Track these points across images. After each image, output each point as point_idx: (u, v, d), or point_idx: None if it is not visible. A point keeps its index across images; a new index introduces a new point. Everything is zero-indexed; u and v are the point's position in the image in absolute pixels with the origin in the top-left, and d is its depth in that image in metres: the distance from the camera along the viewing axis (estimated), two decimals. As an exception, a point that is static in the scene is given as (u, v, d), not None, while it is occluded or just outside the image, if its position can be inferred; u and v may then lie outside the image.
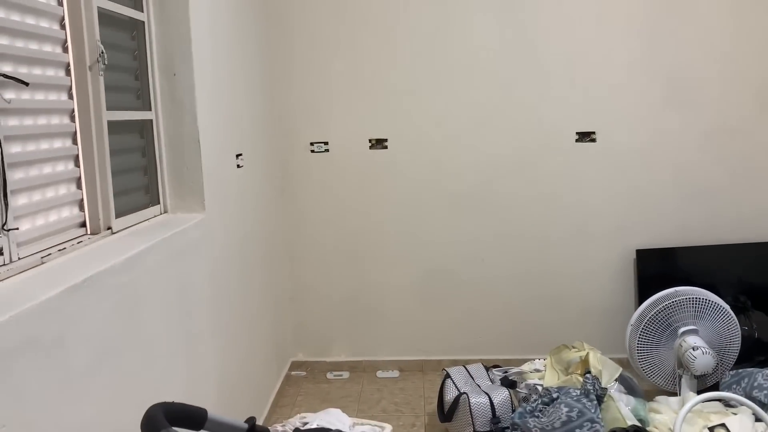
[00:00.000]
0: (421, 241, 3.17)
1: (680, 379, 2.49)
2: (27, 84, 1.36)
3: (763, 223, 3.07)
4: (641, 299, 2.64)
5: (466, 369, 2.74)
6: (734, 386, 2.30)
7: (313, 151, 3.15)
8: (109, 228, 1.72)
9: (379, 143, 3.12)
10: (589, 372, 2.30)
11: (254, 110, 2.77)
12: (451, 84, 3.03)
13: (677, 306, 2.47)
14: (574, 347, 2.59)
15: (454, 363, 2.95)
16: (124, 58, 1.89)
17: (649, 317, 2.47)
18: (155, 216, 2.02)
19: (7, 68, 1.34)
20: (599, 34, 2.96)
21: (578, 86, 3.00)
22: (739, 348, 2.53)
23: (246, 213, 2.60)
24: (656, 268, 3.04)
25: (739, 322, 2.57)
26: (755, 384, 2.23)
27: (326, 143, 3.13)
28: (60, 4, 1.58)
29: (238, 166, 2.49)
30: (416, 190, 3.13)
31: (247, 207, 2.62)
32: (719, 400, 2.19)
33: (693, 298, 2.46)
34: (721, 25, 2.95)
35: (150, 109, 2.00)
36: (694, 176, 3.05)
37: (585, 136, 3.03)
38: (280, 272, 3.16)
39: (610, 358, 2.57)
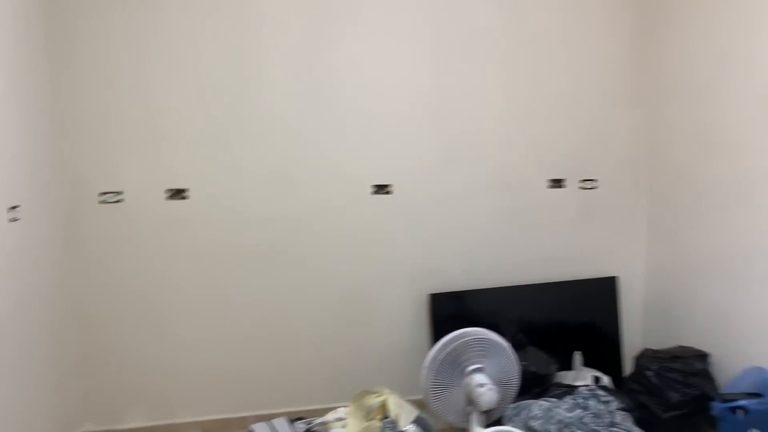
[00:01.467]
0: (222, 295, 3.09)
1: (470, 416, 2.68)
2: None
3: (536, 266, 3.46)
4: (435, 341, 2.82)
5: (271, 425, 2.70)
6: (514, 418, 2.53)
7: (104, 202, 2.94)
8: None
9: (177, 193, 3.01)
10: (387, 417, 2.38)
11: (35, 157, 2.54)
12: (251, 135, 3.05)
13: (465, 346, 2.67)
14: (375, 392, 2.67)
15: (261, 419, 2.88)
16: None
17: (440, 358, 2.64)
18: None
19: None
20: (392, 94, 3.18)
21: (374, 142, 3.18)
22: (519, 382, 2.79)
23: (23, 272, 2.34)
24: (448, 311, 3.27)
25: (518, 358, 2.84)
26: (531, 415, 2.47)
27: (119, 193, 2.96)
28: None
29: (13, 219, 2.25)
30: (217, 242, 3.06)
31: (25, 265, 2.37)
32: (502, 432, 2.39)
33: (478, 338, 2.68)
34: (496, 89, 3.33)
35: None
36: (477, 225, 3.36)
37: (381, 189, 3.21)
38: (66, 335, 2.87)
39: (410, 400, 2.70)
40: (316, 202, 3.14)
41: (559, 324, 3.46)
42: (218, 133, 3.02)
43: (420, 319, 3.32)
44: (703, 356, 3.10)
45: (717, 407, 2.70)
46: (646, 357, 3.10)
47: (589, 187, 3.54)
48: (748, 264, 2.94)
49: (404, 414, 2.49)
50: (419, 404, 2.73)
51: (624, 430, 2.44)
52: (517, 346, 3.00)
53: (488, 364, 2.71)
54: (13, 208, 2.25)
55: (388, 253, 3.26)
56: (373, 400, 2.60)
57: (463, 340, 2.67)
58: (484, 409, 2.60)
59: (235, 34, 2.99)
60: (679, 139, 3.36)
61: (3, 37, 2.23)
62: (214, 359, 3.11)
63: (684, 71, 3.30)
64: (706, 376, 3.03)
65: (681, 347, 3.21)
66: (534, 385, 2.95)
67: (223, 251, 3.07)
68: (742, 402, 2.66)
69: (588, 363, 3.31)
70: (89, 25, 2.86)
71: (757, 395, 2.75)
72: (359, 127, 3.15)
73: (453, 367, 2.68)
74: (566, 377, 3.10)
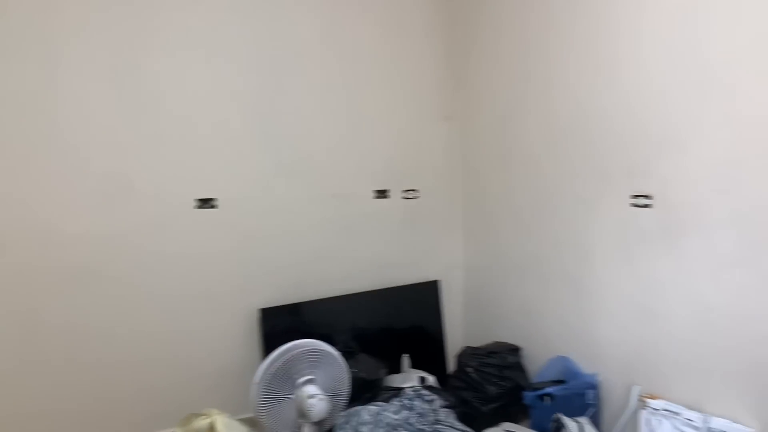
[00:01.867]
0: (29, 325, 2.79)
1: (302, 428, 2.68)
2: None
3: (365, 275, 3.56)
4: (266, 356, 2.78)
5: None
6: (345, 426, 2.58)
7: None
8: None
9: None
10: (216, 438, 2.31)
11: None
12: (66, 149, 2.80)
13: (295, 359, 2.67)
14: (203, 414, 2.57)
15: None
16: None
17: (271, 372, 2.61)
18: None
19: None
20: (215, 106, 3.11)
21: (197, 155, 3.07)
22: (349, 390, 2.84)
23: None
24: (280, 325, 3.24)
25: (349, 365, 2.90)
26: (361, 420, 2.53)
27: None
28: None
29: None
30: (27, 266, 2.76)
31: None
32: (333, 441, 2.42)
33: (308, 349, 2.69)
34: (321, 103, 3.38)
35: None
36: (306, 237, 3.39)
37: (206, 203, 3.11)
38: None
39: (243, 419, 2.64)
40: (136, 217, 2.96)
41: (389, 329, 3.59)
42: (23, 143, 2.73)
43: (252, 335, 3.26)
44: (515, 350, 3.39)
45: (527, 396, 2.97)
46: (466, 354, 3.32)
47: (411, 196, 3.72)
48: (547, 264, 3.27)
49: (233, 433, 2.43)
50: (251, 422, 2.67)
51: (447, 426, 2.58)
52: (348, 354, 3.05)
53: (319, 375, 2.73)
54: None
55: (215, 269, 3.16)
56: (202, 423, 2.51)
57: (293, 352, 2.67)
58: (316, 419, 2.61)
59: (34, 37, 2.73)
60: (486, 151, 3.66)
61: None
62: (23, 396, 2.79)
63: (489, 90, 3.60)
64: (519, 368, 3.32)
65: (497, 343, 3.48)
66: (365, 391, 3.02)
67: (34, 275, 2.77)
68: (548, 389, 2.95)
69: (416, 364, 3.47)
70: None
71: (561, 382, 3.07)
72: (180, 139, 3.03)
73: (284, 380, 2.66)
74: (395, 380, 3.22)
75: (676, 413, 2.56)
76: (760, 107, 2.26)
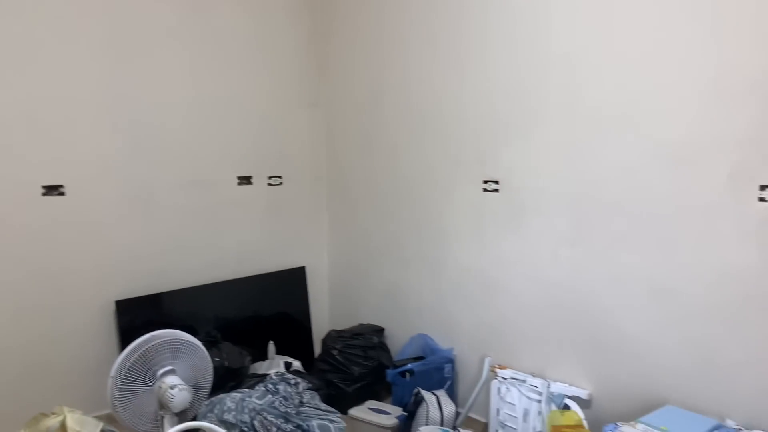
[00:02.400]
0: None
1: (163, 420, 2.61)
2: None
3: (229, 262, 3.52)
4: (123, 350, 2.67)
5: None
6: (209, 414, 2.55)
7: None
8: None
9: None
10: (67, 436, 2.20)
11: None
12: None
13: (154, 350, 2.58)
14: (52, 413, 2.43)
15: None
16: None
17: (128, 366, 2.52)
18: None
19: None
20: (62, 86, 2.91)
21: (41, 138, 2.87)
22: (212, 378, 2.80)
23: None
24: (138, 317, 3.12)
25: (212, 354, 2.85)
26: (225, 408, 2.52)
27: None
28: None
29: None
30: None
31: None
32: (195, 430, 2.39)
33: (167, 340, 2.62)
34: (182, 86, 3.28)
35: None
36: (166, 225, 3.28)
37: (53, 190, 2.92)
38: None
39: (99, 416, 2.52)
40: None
41: (254, 317, 3.57)
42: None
43: (108, 328, 3.12)
44: (379, 330, 3.51)
45: (390, 374, 3.09)
46: (332, 338, 3.39)
47: (275, 183, 3.71)
48: (407, 247, 3.42)
49: (87, 430, 2.32)
50: (108, 418, 2.56)
51: (312, 408, 2.63)
52: (211, 344, 3.01)
53: (180, 365, 2.67)
54: None
55: (66, 260, 2.97)
56: (52, 421, 2.37)
57: (151, 344, 2.58)
58: (178, 410, 2.55)
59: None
60: (350, 138, 3.75)
61: None
62: None
63: (351, 78, 3.67)
64: (383, 347, 3.44)
65: (361, 325, 3.58)
66: (229, 379, 3.00)
67: None
68: (409, 365, 3.09)
69: (283, 350, 3.49)
70: None
71: (420, 358, 3.22)
72: (24, 122, 2.81)
73: (142, 373, 2.57)
74: (261, 367, 3.22)
75: (522, 380, 2.79)
76: (593, 99, 2.51)
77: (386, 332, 3.54)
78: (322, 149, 3.90)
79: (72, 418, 2.29)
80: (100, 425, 2.39)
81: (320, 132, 3.89)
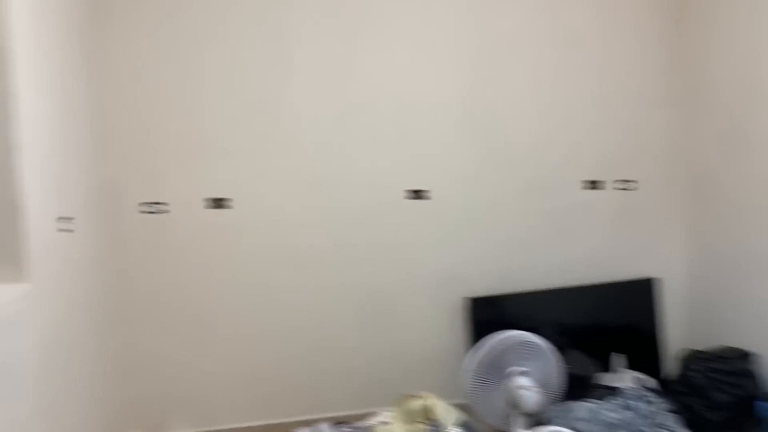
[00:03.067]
0: (262, 301, 3.14)
1: (512, 418, 2.67)
2: None
3: (573, 269, 3.45)
4: (472, 345, 2.82)
5: (316, 429, 2.72)
6: (559, 420, 2.52)
7: (145, 212, 3.01)
8: None
9: (219, 203, 3.07)
10: (432, 419, 2.40)
11: (85, 171, 2.61)
12: (287, 144, 3.10)
13: (507, 349, 2.66)
14: (417, 396, 2.68)
15: (303, 424, 2.91)
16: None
17: (483, 361, 2.64)
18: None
19: None
20: (427, 99, 3.22)
21: (409, 148, 3.21)
22: (560, 384, 2.78)
23: (77, 281, 2.41)
24: (485, 315, 3.26)
25: (560, 360, 2.83)
26: (576, 416, 2.46)
27: (161, 203, 3.03)
28: None
29: (66, 230, 2.32)
30: (256, 249, 3.11)
31: (80, 275, 2.43)
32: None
33: (520, 341, 2.68)
34: (531, 93, 3.34)
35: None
36: (514, 229, 3.37)
37: (417, 194, 3.23)
38: (112, 342, 2.94)
39: (453, 404, 2.71)
40: (351, 207, 3.18)
41: (597, 326, 3.44)
42: (257, 143, 3.08)
43: (456, 323, 3.33)
44: (747, 356, 3.06)
45: (762, 407, 2.67)
46: (690, 358, 3.07)
47: (625, 187, 3.52)
48: (792, 262, 2.90)
49: (448, 416, 2.50)
50: (460, 407, 2.73)
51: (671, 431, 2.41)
52: (557, 349, 2.98)
53: (530, 367, 2.70)
54: (62, 218, 2.32)
55: (423, 258, 3.28)
56: (416, 403, 2.62)
57: (505, 343, 2.67)
58: (527, 411, 2.59)
59: (273, 45, 3.05)
60: (714, 139, 3.33)
61: (48, 49, 2.30)
62: (254, 366, 3.15)
63: (716, 71, 3.27)
64: (751, 375, 2.99)
65: (725, 347, 3.17)
66: (574, 387, 2.93)
67: (261, 260, 3.12)
68: (789, 401, 2.62)
69: (628, 364, 3.28)
70: (132, 37, 2.95)
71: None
72: (394, 133, 3.19)
73: (495, 369, 2.67)
74: (607, 379, 3.08)
75: None
76: None
77: (757, 358, 3.06)
78: (679, 151, 3.56)
79: (435, 403, 2.49)
80: (459, 413, 2.56)
81: (677, 132, 3.55)
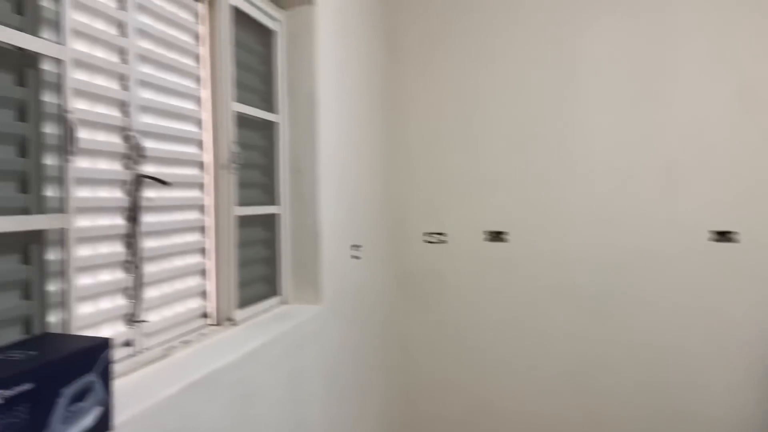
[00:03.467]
0: (535, 339, 3.01)
1: None
2: (169, 184, 1.45)
3: None
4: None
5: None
6: None
7: (428, 242, 3.13)
8: (231, 319, 1.76)
9: (496, 236, 3.05)
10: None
11: (373, 201, 2.82)
12: (570, 179, 2.94)
13: None
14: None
15: (576, 478, 2.70)
16: (256, 155, 1.99)
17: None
18: (275, 307, 2.05)
19: (151, 169, 1.44)
20: (739, 126, 2.77)
21: (715, 181, 2.79)
22: None
23: (360, 306, 2.59)
24: (814, 387, 2.66)
25: None
26: None
27: (442, 234, 3.12)
28: (201, 108, 1.71)
29: (356, 257, 2.52)
30: (535, 287, 3.00)
31: (362, 300, 2.62)
32: None
33: None
34: None
35: (276, 203, 2.08)
36: None
37: (723, 236, 2.79)
38: (393, 364, 3.10)
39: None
40: (641, 248, 2.87)
41: None
42: (537, 177, 2.98)
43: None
44: None
45: None
46: None
47: None
48: None
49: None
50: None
51: None
52: None
53: None
54: (354, 246, 2.51)
55: (729, 311, 2.81)
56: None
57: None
58: None
59: (557, 79, 2.94)
60: None
61: (350, 91, 2.52)
62: (526, 402, 3.03)
63: None
64: None
65: None
66: None
67: (539, 294, 3.00)
68: None
69: None
70: (420, 76, 3.11)
71: None
72: (696, 164, 2.81)
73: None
74: None
75: None
76: None
77: None
78: None
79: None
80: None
81: None
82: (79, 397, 0.91)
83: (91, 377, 0.94)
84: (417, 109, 3.13)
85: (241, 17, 1.85)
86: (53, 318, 1.11)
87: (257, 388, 1.59)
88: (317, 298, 2.11)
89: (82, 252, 1.24)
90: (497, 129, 3.03)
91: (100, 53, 1.30)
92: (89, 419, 0.93)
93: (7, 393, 0.78)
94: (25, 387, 0.81)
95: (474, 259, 3.08)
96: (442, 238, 3.12)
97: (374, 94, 2.84)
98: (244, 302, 1.85)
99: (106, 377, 0.98)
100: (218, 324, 1.73)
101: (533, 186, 3.00)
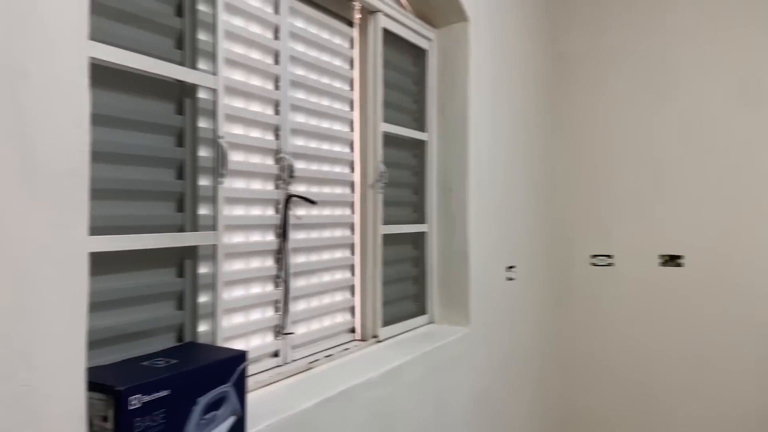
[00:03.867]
0: (721, 380, 2.67)
1: None
2: (315, 203, 1.51)
3: None
4: None
5: None
6: None
7: (594, 265, 2.94)
8: (376, 336, 1.78)
9: (671, 260, 2.78)
10: None
11: (530, 221, 2.71)
12: (759, 198, 2.60)
13: None
14: None
15: None
16: (405, 174, 2.01)
17: None
18: (421, 326, 2.05)
19: (302, 188, 1.51)
20: None
21: None
22: None
23: (514, 329, 2.49)
24: None
25: None
26: None
27: (609, 256, 2.91)
28: (352, 130, 1.76)
29: (509, 278, 2.43)
30: (716, 319, 2.68)
31: (516, 323, 2.52)
32: None
33: None
34: None
35: (425, 222, 2.08)
36: None
37: None
38: (550, 394, 2.94)
39: None
40: None
41: None
42: (720, 196, 2.67)
43: None
44: None
45: None
46: None
47: None
48: None
49: None
50: None
51: None
52: None
53: None
54: (510, 267, 2.42)
55: None
56: None
57: None
58: None
59: (740, 97, 2.63)
60: None
61: (507, 104, 2.45)
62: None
63: None
64: None
65: None
66: None
67: (722, 328, 2.67)
68: None
69: None
70: (588, 90, 2.94)
71: None
72: None
73: None
74: None
75: None
76: None
77: None
78: None
79: None
80: None
81: None
82: (214, 406, 0.97)
83: (226, 388, 1.00)
84: (584, 124, 2.96)
85: (391, 38, 1.88)
86: (203, 327, 1.20)
87: (397, 408, 1.59)
88: (465, 320, 2.06)
89: (236, 266, 1.33)
90: (674, 144, 2.78)
91: (255, 81, 1.39)
92: (223, 428, 0.98)
93: (146, 398, 0.84)
94: (163, 393, 0.87)
95: (644, 284, 2.83)
96: (609, 260, 2.92)
97: (533, 109, 2.74)
98: (390, 320, 1.87)
99: (241, 388, 1.03)
100: (363, 340, 1.76)
101: (715, 206, 2.69)
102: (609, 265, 2.92)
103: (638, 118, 2.85)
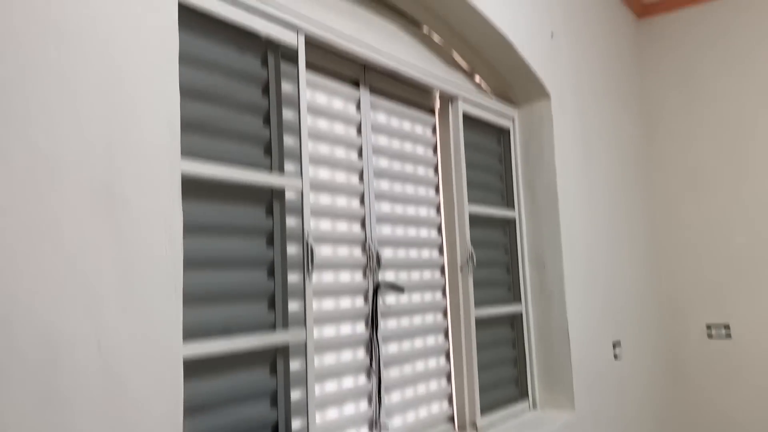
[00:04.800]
0: None
1: None
2: (403, 290, 1.50)
3: None
4: None
5: None
6: None
7: (710, 336, 2.71)
8: (474, 424, 1.70)
9: (799, 328, 2.52)
10: None
11: (635, 292, 2.55)
12: None
13: None
14: None
15: None
16: (494, 253, 1.97)
17: None
18: (523, 412, 1.94)
19: (390, 276, 1.51)
20: None
21: None
22: None
23: (624, 412, 2.30)
24: None
25: None
26: None
27: (727, 327, 2.67)
28: (438, 213, 1.76)
29: (615, 356, 2.28)
30: None
31: (626, 405, 2.33)
32: None
33: None
34: None
35: (519, 302, 2.01)
36: None
37: None
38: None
39: None
40: None
41: None
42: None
43: None
44: None
45: None
46: None
47: None
48: None
49: None
50: None
51: None
52: None
53: None
54: (615, 344, 2.27)
55: None
56: None
57: None
58: None
59: None
60: None
61: (604, 173, 2.37)
62: None
63: None
64: None
65: None
66: None
67: None
68: None
69: None
70: (679, 150, 2.80)
71: None
72: None
73: None
74: None
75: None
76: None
77: None
78: None
79: None
80: None
81: None
82: None
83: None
84: (683, 182, 2.80)
85: (472, 121, 1.89)
86: (297, 423, 1.19)
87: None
88: (570, 403, 1.94)
89: (327, 359, 1.33)
90: (785, 202, 2.57)
91: (340, 175, 1.43)
92: None
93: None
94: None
95: (762, 353, 2.57)
96: (726, 332, 2.68)
97: (628, 172, 2.63)
98: (489, 406, 1.79)
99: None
100: (461, 429, 1.69)
101: None
102: (727, 336, 2.68)
103: (738, 170, 2.67)
